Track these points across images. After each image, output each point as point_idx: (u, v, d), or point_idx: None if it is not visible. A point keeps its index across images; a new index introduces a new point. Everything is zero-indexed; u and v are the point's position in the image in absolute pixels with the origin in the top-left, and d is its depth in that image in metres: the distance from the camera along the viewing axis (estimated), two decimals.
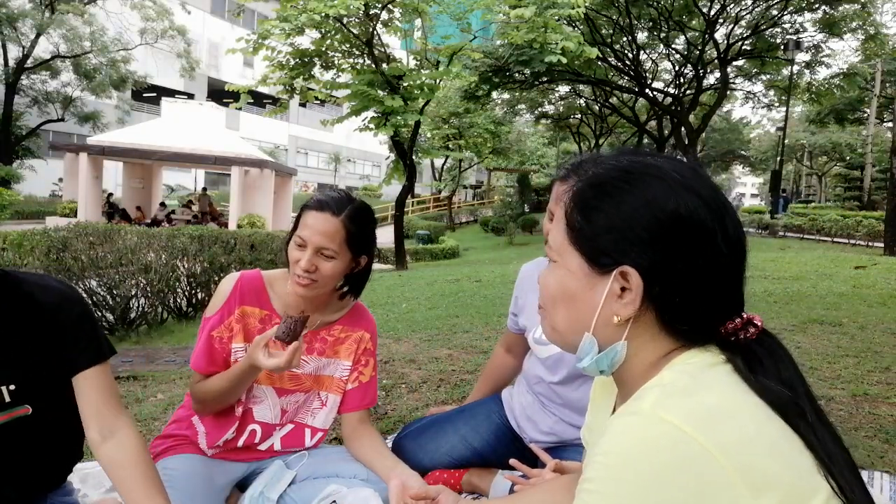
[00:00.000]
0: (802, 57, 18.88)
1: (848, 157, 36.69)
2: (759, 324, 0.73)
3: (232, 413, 1.53)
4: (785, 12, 17.06)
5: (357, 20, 11.71)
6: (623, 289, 0.71)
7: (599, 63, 18.45)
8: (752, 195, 79.19)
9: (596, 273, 0.72)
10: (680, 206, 0.69)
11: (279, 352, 1.34)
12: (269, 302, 1.52)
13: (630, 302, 0.70)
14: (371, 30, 11.89)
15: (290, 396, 1.56)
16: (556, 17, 12.20)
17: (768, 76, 20.83)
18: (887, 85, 27.17)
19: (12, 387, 1.17)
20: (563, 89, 24.57)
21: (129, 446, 1.20)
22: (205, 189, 24.92)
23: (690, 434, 0.59)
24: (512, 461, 1.28)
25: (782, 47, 18.15)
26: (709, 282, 0.70)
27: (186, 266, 6.14)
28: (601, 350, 0.75)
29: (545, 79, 17.08)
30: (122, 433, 1.21)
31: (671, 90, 21.74)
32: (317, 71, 12.86)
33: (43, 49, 24.12)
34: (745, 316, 0.73)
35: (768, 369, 0.69)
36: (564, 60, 12.30)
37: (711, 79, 21.15)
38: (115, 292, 5.53)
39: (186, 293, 6.22)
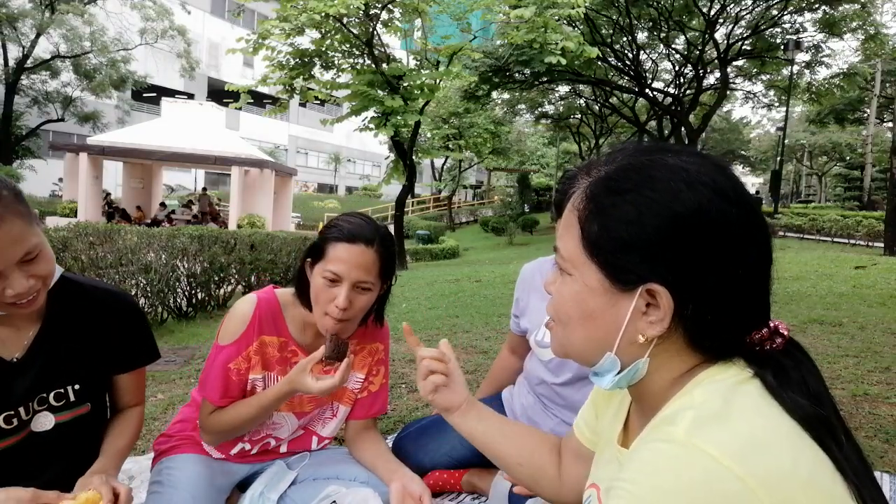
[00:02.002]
0: (802, 57, 18.88)
1: (848, 157, 36.74)
2: (786, 333, 0.68)
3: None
4: (785, 12, 17.06)
5: (357, 20, 11.71)
6: (648, 304, 0.65)
7: (599, 63, 18.44)
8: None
9: (618, 290, 0.66)
10: (712, 213, 0.63)
11: (324, 377, 1.30)
12: (286, 328, 1.46)
13: (658, 321, 0.65)
14: (371, 30, 11.89)
15: (309, 415, 1.57)
16: (556, 17, 12.19)
17: (768, 76, 20.83)
18: (887, 85, 27.19)
19: (77, 386, 1.24)
20: (563, 89, 24.56)
21: (131, 416, 1.38)
22: (205, 189, 24.92)
23: (730, 468, 0.55)
24: None
25: (782, 47, 18.14)
26: (741, 294, 0.65)
27: (186, 266, 6.14)
28: (622, 368, 0.69)
29: (545, 79, 17.08)
30: (131, 410, 1.39)
31: (671, 90, 21.74)
32: (317, 71, 12.85)
33: (43, 49, 24.13)
34: (771, 325, 0.68)
35: (796, 383, 0.65)
36: (564, 61, 12.30)
37: (711, 79, 21.15)
38: None
39: (186, 293, 6.22)
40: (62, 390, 1.22)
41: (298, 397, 1.49)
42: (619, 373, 0.70)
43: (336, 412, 1.59)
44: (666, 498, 0.56)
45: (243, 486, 1.58)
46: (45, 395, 1.20)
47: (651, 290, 0.64)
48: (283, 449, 1.60)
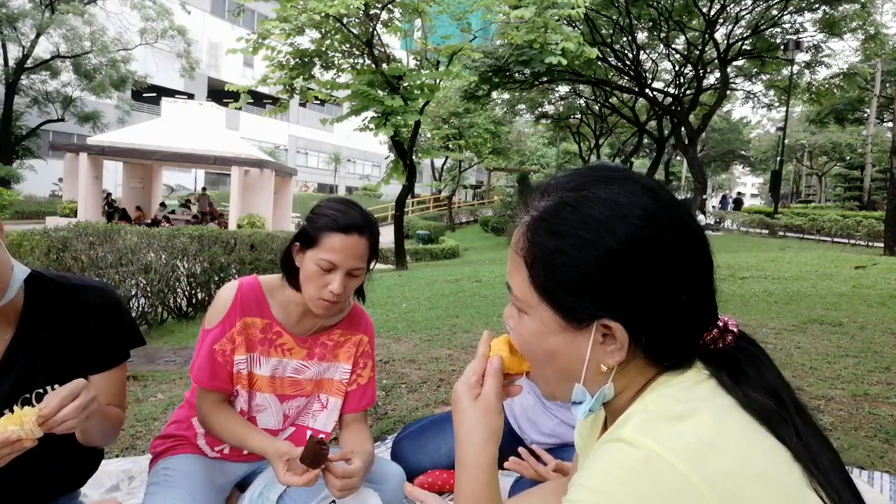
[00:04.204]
0: (802, 57, 18.87)
1: (848, 157, 36.70)
2: (736, 329, 0.71)
3: None
4: (785, 12, 17.06)
5: (357, 20, 11.71)
6: (605, 335, 0.67)
7: (599, 63, 18.44)
8: (753, 195, 79.35)
9: (574, 328, 0.68)
10: (647, 243, 0.65)
11: (292, 475, 1.32)
12: (270, 311, 1.51)
13: (616, 351, 0.67)
14: (371, 30, 11.89)
15: (291, 402, 1.57)
16: (556, 18, 12.19)
17: (768, 76, 20.82)
18: (887, 85, 27.17)
19: (57, 385, 1.21)
20: (563, 89, 24.55)
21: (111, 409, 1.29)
22: (205, 189, 24.93)
23: (675, 465, 0.58)
24: (507, 464, 1.28)
25: (782, 47, 18.14)
26: (690, 308, 0.68)
27: (186, 266, 6.14)
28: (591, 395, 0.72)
29: (545, 79, 17.08)
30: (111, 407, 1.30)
31: (671, 90, 21.73)
32: (317, 71, 12.85)
33: (43, 49, 24.11)
34: (721, 324, 0.71)
35: (752, 377, 0.68)
36: (564, 61, 12.29)
37: (711, 79, 21.14)
38: None
39: (186, 293, 6.22)
40: (42, 391, 1.21)
41: (279, 379, 1.54)
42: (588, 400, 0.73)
43: (326, 404, 1.61)
44: (615, 491, 0.59)
45: (243, 486, 1.58)
46: (28, 395, 1.19)
47: (605, 325, 0.66)
48: None
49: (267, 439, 1.42)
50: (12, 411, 1.18)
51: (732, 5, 17.38)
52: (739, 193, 35.16)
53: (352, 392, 1.61)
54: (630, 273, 0.65)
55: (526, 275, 0.70)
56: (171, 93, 31.32)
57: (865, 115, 29.22)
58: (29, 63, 23.92)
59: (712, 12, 17.28)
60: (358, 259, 1.39)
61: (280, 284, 1.51)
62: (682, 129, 19.99)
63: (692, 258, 0.68)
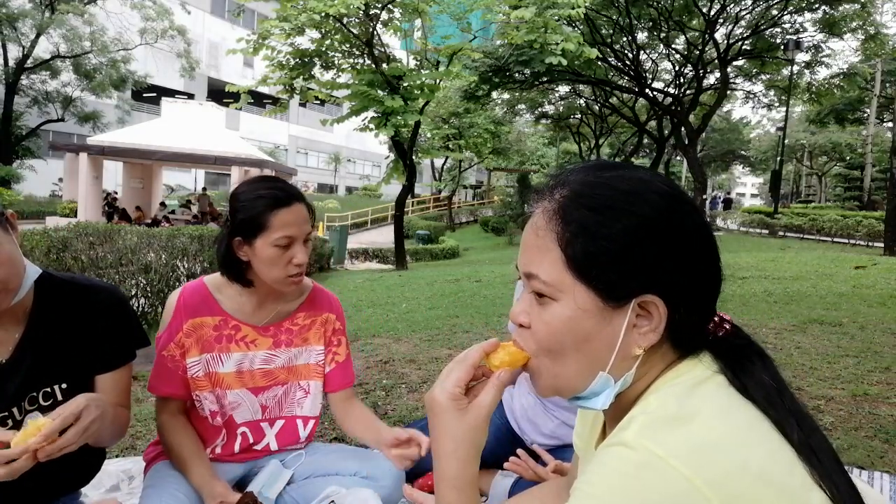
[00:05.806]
0: (802, 57, 18.86)
1: (848, 157, 36.72)
2: (729, 318, 0.74)
3: (213, 424, 1.52)
4: (785, 12, 17.06)
5: (357, 20, 11.71)
6: (637, 315, 0.67)
7: (599, 63, 18.44)
8: (753, 195, 79.39)
9: (611, 307, 0.66)
10: (682, 217, 0.67)
11: None
12: (219, 307, 1.50)
13: (651, 330, 0.67)
14: (371, 30, 11.89)
15: (266, 392, 1.56)
16: (556, 18, 12.19)
17: (768, 76, 20.81)
18: (887, 85, 27.15)
19: (64, 385, 1.23)
20: (563, 89, 24.55)
21: (116, 409, 1.28)
22: (205, 189, 24.92)
23: (679, 469, 0.57)
24: (506, 465, 1.27)
25: (782, 47, 18.14)
26: (709, 286, 0.69)
27: (186, 266, 6.14)
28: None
29: (545, 79, 17.09)
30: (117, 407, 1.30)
31: (671, 90, 21.72)
32: (317, 71, 12.86)
33: (43, 49, 24.12)
34: (718, 314, 0.73)
35: (755, 364, 0.69)
36: (564, 62, 12.30)
37: (711, 79, 21.13)
38: None
39: None
40: (49, 390, 1.22)
41: (248, 373, 1.52)
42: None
43: (308, 389, 1.60)
44: (617, 497, 0.59)
45: (241, 486, 1.57)
46: (35, 394, 1.20)
47: (643, 302, 0.66)
48: (274, 445, 1.59)
49: (205, 477, 1.39)
50: (20, 411, 1.18)
51: (732, 5, 17.37)
52: (728, 193, 35.73)
53: (332, 372, 1.61)
54: (666, 244, 0.66)
55: (559, 256, 0.68)
56: (171, 93, 31.32)
57: (865, 115, 29.20)
58: (29, 63, 23.93)
59: (712, 12, 17.28)
60: (308, 223, 1.45)
61: (226, 281, 1.50)
62: (682, 129, 19.98)
63: (709, 236, 0.70)
